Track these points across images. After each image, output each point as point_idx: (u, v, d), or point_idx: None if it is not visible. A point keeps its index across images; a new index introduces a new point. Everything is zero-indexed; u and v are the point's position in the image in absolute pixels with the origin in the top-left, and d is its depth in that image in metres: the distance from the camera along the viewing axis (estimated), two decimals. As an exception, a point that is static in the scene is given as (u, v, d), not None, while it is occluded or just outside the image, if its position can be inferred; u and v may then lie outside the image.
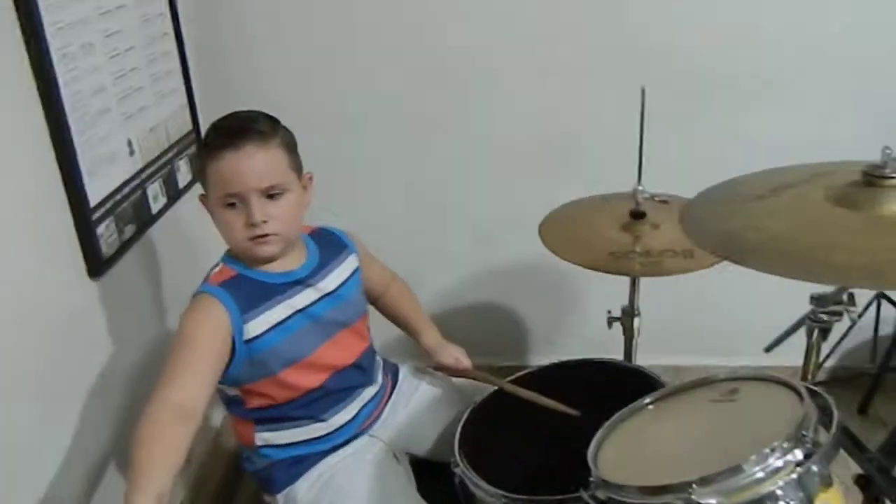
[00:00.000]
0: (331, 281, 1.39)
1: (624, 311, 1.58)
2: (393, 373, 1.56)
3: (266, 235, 1.26)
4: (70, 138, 1.39)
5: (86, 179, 1.44)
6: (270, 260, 1.32)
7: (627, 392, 1.17)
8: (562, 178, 1.92)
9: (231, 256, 1.35)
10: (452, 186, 2.10)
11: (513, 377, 1.46)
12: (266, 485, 1.39)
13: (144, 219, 1.66)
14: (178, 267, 1.80)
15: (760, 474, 0.85)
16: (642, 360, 1.61)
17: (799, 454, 0.84)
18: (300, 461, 1.36)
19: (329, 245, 1.44)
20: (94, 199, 1.47)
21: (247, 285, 1.29)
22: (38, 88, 1.33)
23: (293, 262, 1.35)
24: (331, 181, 2.05)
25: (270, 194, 1.26)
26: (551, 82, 1.95)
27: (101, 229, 1.49)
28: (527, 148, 2.01)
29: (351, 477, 1.34)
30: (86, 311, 1.48)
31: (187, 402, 1.14)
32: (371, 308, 1.58)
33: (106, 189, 1.51)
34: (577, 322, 2.25)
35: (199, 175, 1.31)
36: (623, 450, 1.00)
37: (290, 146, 1.32)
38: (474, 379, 1.50)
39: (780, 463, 0.85)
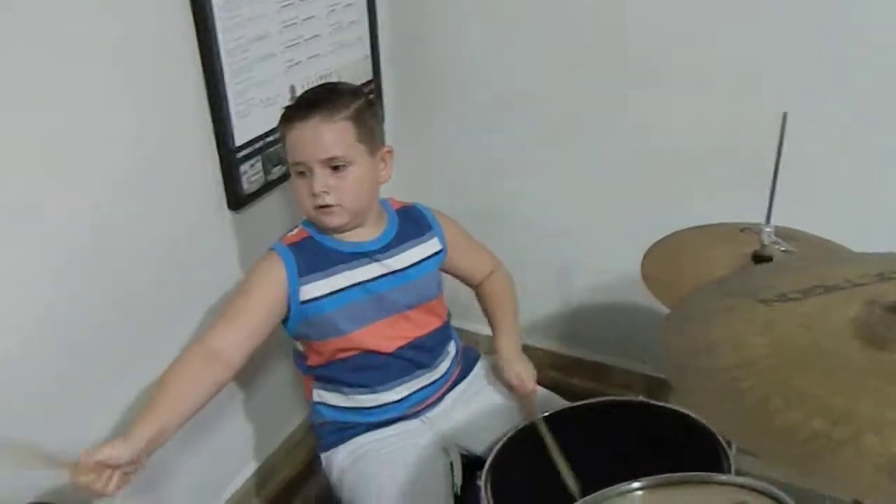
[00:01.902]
0: (401, 259, 1.38)
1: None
2: (468, 364, 1.52)
3: (329, 206, 1.29)
4: (222, 81, 1.50)
5: (234, 120, 1.55)
6: (337, 230, 1.34)
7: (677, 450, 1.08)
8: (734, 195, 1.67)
9: (309, 220, 1.38)
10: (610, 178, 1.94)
11: (573, 405, 1.34)
12: (318, 441, 1.45)
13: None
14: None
15: None
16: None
17: None
18: (346, 428, 1.40)
19: (412, 223, 1.43)
20: (240, 139, 1.57)
21: (313, 249, 1.33)
22: (197, 32, 1.44)
23: (366, 235, 1.36)
24: (478, 151, 2.04)
25: (334, 166, 1.28)
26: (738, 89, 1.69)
27: (244, 167, 1.60)
28: (702, 154, 1.79)
29: (385, 457, 1.34)
30: (223, 240, 1.62)
31: (225, 349, 1.22)
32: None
33: (256, 130, 1.61)
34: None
35: (281, 141, 1.36)
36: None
37: (363, 120, 1.31)
38: (526, 406, 1.41)
39: None
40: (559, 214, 2.05)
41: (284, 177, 1.71)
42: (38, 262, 1.24)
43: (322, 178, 1.27)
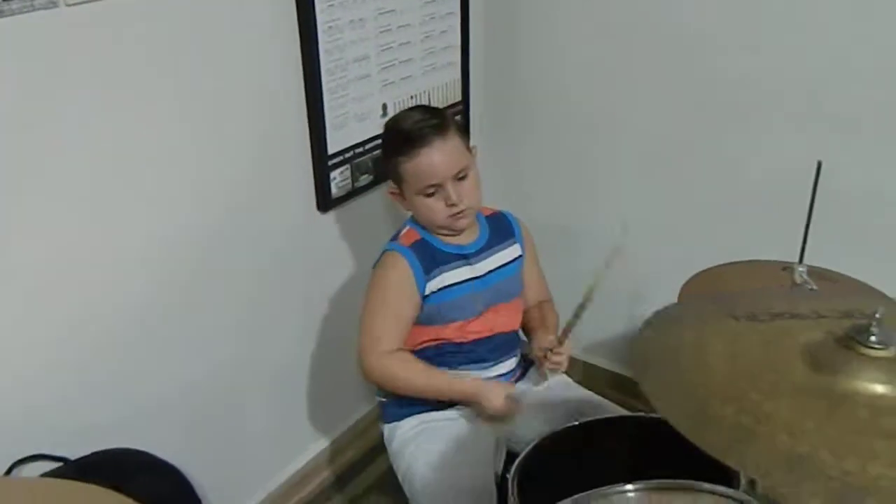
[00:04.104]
0: (490, 262, 1.54)
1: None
2: (526, 365, 1.64)
3: (462, 211, 1.46)
4: (321, 96, 1.69)
5: (329, 131, 1.74)
6: (463, 230, 1.51)
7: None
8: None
9: (415, 221, 1.54)
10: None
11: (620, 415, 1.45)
12: (381, 413, 1.62)
13: (383, 172, 1.92)
14: (402, 218, 2.05)
15: None
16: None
17: None
18: (411, 404, 1.54)
19: (499, 229, 1.59)
20: (332, 148, 1.76)
21: (426, 250, 1.50)
22: (302, 54, 1.64)
23: (465, 238, 1.53)
24: (557, 173, 2.16)
25: (459, 177, 1.45)
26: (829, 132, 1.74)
27: (334, 174, 1.79)
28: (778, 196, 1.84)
29: (440, 434, 1.49)
30: (310, 238, 1.81)
31: (396, 346, 1.47)
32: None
33: (348, 142, 1.80)
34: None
35: (393, 172, 1.50)
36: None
37: (461, 130, 1.50)
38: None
39: None
40: (631, 238, 2.13)
41: (370, 185, 1.89)
42: (158, 256, 1.47)
43: (455, 189, 1.44)
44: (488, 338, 1.55)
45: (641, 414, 1.47)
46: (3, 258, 1.24)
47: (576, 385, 1.63)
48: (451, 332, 1.52)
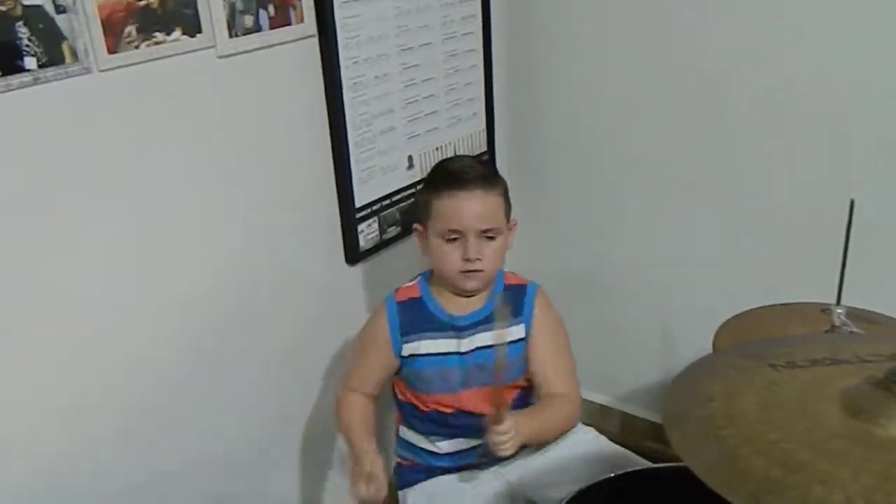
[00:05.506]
0: (479, 339, 1.46)
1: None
2: None
3: (476, 271, 1.42)
4: (347, 150, 1.71)
5: (355, 185, 1.75)
6: (470, 293, 1.46)
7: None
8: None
9: (427, 277, 1.53)
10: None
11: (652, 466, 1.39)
12: (397, 479, 1.59)
13: (411, 223, 1.93)
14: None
15: None
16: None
17: None
18: (419, 471, 1.52)
19: (511, 305, 1.49)
20: (360, 201, 1.78)
21: (419, 311, 1.47)
22: (328, 108, 1.67)
23: (466, 308, 1.48)
24: (585, 221, 2.16)
25: (487, 235, 1.41)
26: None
27: (362, 226, 1.80)
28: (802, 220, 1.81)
29: (453, 500, 1.45)
30: (339, 291, 1.82)
31: (361, 389, 1.52)
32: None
33: (375, 194, 1.81)
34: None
35: (424, 207, 1.48)
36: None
37: (506, 193, 1.46)
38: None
39: None
40: (661, 283, 2.11)
41: (398, 236, 1.90)
42: (191, 308, 1.48)
43: (477, 245, 1.38)
44: (451, 414, 1.48)
45: (674, 465, 1.42)
46: (28, 323, 1.25)
47: (605, 440, 1.57)
48: (440, 402, 1.49)
